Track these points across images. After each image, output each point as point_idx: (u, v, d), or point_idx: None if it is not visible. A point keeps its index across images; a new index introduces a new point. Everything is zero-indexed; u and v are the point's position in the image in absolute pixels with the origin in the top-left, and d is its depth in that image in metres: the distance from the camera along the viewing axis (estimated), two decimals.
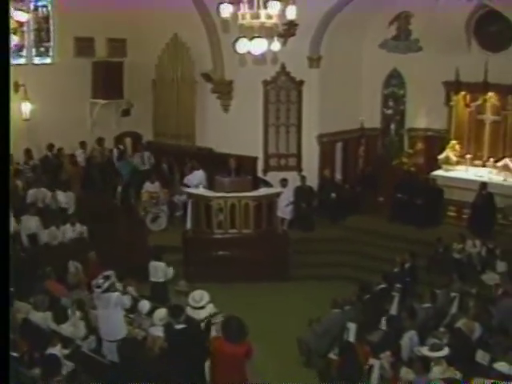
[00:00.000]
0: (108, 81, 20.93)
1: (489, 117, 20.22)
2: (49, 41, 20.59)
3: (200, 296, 11.72)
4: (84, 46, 20.74)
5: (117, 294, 11.51)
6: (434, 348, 10.47)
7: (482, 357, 10.97)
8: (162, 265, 14.80)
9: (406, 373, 10.10)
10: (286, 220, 19.33)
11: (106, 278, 11.53)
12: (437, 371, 10.19)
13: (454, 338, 11.30)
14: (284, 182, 19.53)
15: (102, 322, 11.31)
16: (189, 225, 18.23)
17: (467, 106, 20.40)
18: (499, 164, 19.64)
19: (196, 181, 19.23)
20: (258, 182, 19.11)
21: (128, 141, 22.35)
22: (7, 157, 5.08)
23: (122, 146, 21.66)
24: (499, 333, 11.72)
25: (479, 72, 19.38)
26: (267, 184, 19.58)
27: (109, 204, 18.96)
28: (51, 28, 20.49)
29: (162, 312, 11.35)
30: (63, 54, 20.48)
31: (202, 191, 18.31)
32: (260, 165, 20.72)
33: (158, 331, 10.97)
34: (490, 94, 19.90)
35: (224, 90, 20.72)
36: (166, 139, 22.13)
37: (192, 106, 21.66)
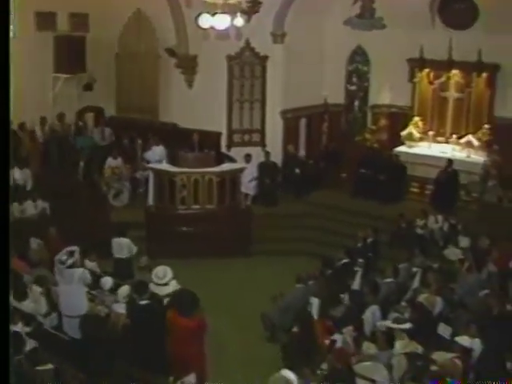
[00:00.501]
0: (70, 55, 20.59)
1: (452, 94, 20.29)
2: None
3: (163, 272, 11.68)
4: (46, 20, 20.38)
5: (81, 269, 11.44)
6: (397, 321, 10.56)
7: (443, 330, 11.09)
8: (125, 241, 14.71)
9: (367, 347, 10.16)
10: (250, 195, 19.31)
11: (71, 253, 11.46)
12: (399, 346, 10.27)
13: (415, 312, 11.40)
14: (248, 158, 19.48)
15: (63, 297, 11.23)
16: (150, 201, 18.11)
17: (431, 83, 20.44)
18: (462, 141, 19.77)
19: (156, 156, 19.11)
20: (221, 158, 19.04)
21: (90, 115, 22.05)
22: None
23: (81, 122, 21.39)
24: (460, 307, 11.86)
25: (443, 50, 19.44)
26: (231, 159, 19.52)
27: (71, 180, 18.78)
28: (11, 2, 20.06)
29: (125, 289, 11.31)
30: (24, 29, 20.12)
31: (165, 167, 18.19)
32: (224, 140, 20.62)
33: (121, 308, 10.93)
34: (454, 71, 19.92)
35: (188, 65, 20.55)
36: (129, 114, 21.88)
37: (155, 81, 21.43)
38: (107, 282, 12.04)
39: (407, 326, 10.49)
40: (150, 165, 18.63)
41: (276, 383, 7.31)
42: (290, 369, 9.26)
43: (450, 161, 18.69)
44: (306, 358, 11.11)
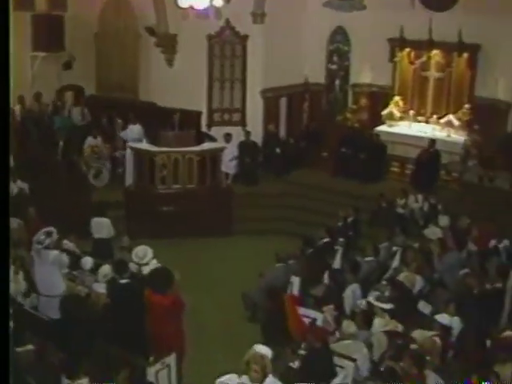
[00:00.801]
0: (48, 34, 20.36)
1: (433, 73, 20.29)
2: None
3: (143, 252, 11.64)
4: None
5: (56, 252, 11.34)
6: (380, 299, 10.59)
7: (423, 308, 11.15)
8: (105, 221, 14.65)
9: (347, 326, 10.20)
10: (230, 175, 19.27)
11: (48, 234, 11.37)
12: (379, 324, 10.33)
13: (395, 290, 11.44)
14: (228, 137, 19.41)
15: (40, 278, 11.19)
16: (128, 180, 18.01)
17: (411, 63, 20.42)
18: (443, 120, 19.81)
19: (134, 135, 19.01)
20: (201, 137, 18.97)
21: (69, 94, 21.88)
22: None
23: (60, 101, 21.21)
24: (440, 286, 11.93)
25: (424, 30, 19.38)
26: (211, 139, 19.46)
27: (50, 160, 18.63)
28: None
29: (106, 268, 11.27)
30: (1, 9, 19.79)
31: (145, 146, 18.10)
32: (204, 119, 20.54)
33: (102, 288, 10.89)
34: (435, 51, 19.92)
35: (168, 44, 20.40)
36: (109, 93, 21.74)
37: (135, 60, 21.30)
38: (87, 262, 12.02)
39: (389, 306, 10.52)
40: (130, 144, 18.51)
41: (250, 359, 7.30)
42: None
43: (432, 141, 18.71)
44: (284, 337, 11.16)
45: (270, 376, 7.30)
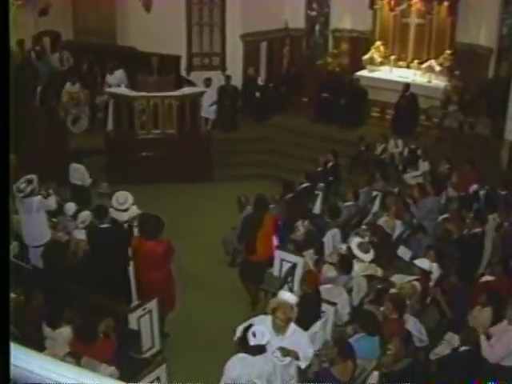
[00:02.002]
0: None
1: (414, 20, 20.12)
2: None
3: (124, 198, 11.58)
4: None
5: (39, 197, 11.27)
6: (362, 248, 10.64)
7: (403, 253, 11.24)
8: (80, 167, 14.51)
9: (328, 270, 10.26)
10: (210, 120, 19.15)
11: (29, 181, 11.26)
12: (359, 268, 10.40)
13: (375, 235, 11.50)
14: (208, 82, 19.24)
15: (25, 227, 11.10)
16: (110, 126, 17.85)
17: (392, 10, 20.25)
18: (424, 66, 19.73)
19: (117, 81, 18.79)
20: (181, 82, 18.78)
21: (46, 40, 21.54)
22: None
23: (38, 47, 20.88)
24: (419, 231, 12.00)
25: None
26: (191, 83, 19.27)
27: (28, 106, 18.36)
28: None
29: (85, 214, 11.20)
30: None
31: (124, 91, 17.87)
32: (183, 64, 20.33)
33: (82, 234, 10.85)
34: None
35: None
36: (87, 38, 21.41)
37: (112, 4, 20.89)
38: (70, 207, 11.96)
39: (370, 257, 10.57)
40: (109, 89, 18.30)
41: (279, 307, 7.39)
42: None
43: (407, 85, 18.65)
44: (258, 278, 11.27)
45: (293, 324, 7.42)
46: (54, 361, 2.08)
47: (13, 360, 2.07)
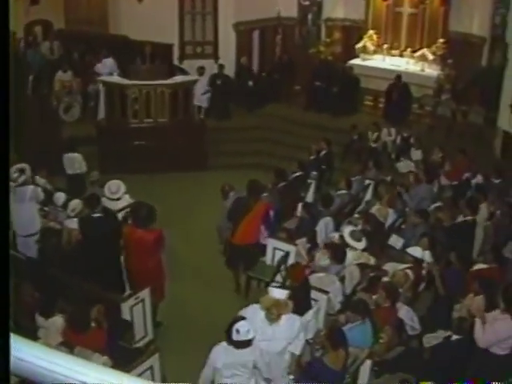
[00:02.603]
0: None
1: (407, 9, 20.09)
2: None
3: (116, 187, 11.58)
4: None
5: (31, 187, 11.24)
6: (354, 236, 10.65)
7: (395, 241, 11.25)
8: (76, 156, 14.49)
9: (320, 259, 10.25)
10: (203, 108, 19.10)
11: (21, 171, 11.23)
12: (351, 257, 10.40)
13: (367, 223, 11.51)
14: (201, 70, 19.19)
15: (17, 217, 11.05)
16: (101, 114, 17.78)
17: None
18: (417, 54, 19.71)
19: (107, 69, 18.72)
20: (173, 70, 18.71)
21: (38, 29, 21.45)
22: None
23: (30, 36, 20.78)
24: (412, 219, 12.02)
25: None
26: (183, 72, 19.21)
27: (20, 95, 18.28)
28: None
29: (76, 202, 11.14)
30: None
31: (116, 79, 17.77)
32: (176, 53, 20.27)
33: (74, 223, 10.80)
34: None
35: None
36: (79, 26, 21.32)
37: None
38: (60, 197, 11.89)
39: (362, 245, 10.58)
40: (102, 78, 18.21)
41: (274, 305, 7.37)
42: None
43: (398, 76, 18.62)
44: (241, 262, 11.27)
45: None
46: (48, 349, 2.07)
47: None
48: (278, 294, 7.60)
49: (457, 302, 9.17)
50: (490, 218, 12.35)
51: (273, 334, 7.48)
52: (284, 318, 7.51)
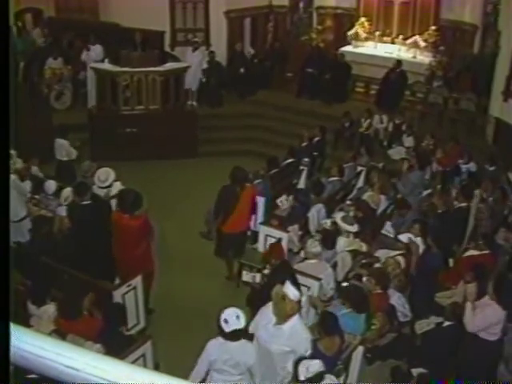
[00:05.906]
0: None
1: None
2: None
3: (105, 175, 11.50)
4: None
5: (13, 177, 11.13)
6: (346, 221, 10.65)
7: (387, 228, 11.26)
8: (64, 142, 14.38)
9: (312, 245, 10.24)
10: (194, 93, 18.97)
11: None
12: (343, 243, 10.41)
13: (359, 210, 11.51)
14: (196, 45, 19.23)
15: None
16: (92, 102, 17.69)
17: None
18: (408, 41, 19.71)
19: (95, 56, 18.62)
20: (165, 57, 18.63)
21: (28, 17, 21.32)
22: None
23: (20, 23, 20.66)
24: (404, 206, 12.02)
25: None
26: (175, 59, 19.13)
27: (11, 82, 18.17)
28: None
29: (67, 191, 11.08)
30: None
31: (107, 66, 17.64)
32: (167, 40, 20.20)
33: (64, 211, 10.75)
34: None
35: None
36: (69, 14, 21.21)
37: None
38: (51, 185, 11.81)
39: (355, 228, 10.58)
40: (92, 65, 18.08)
41: (276, 298, 7.15)
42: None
43: (398, 61, 18.62)
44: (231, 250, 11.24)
45: (294, 318, 7.14)
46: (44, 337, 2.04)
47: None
48: (292, 292, 7.17)
49: (440, 288, 9.23)
50: (481, 202, 12.35)
51: (273, 334, 7.19)
52: (289, 324, 7.14)
